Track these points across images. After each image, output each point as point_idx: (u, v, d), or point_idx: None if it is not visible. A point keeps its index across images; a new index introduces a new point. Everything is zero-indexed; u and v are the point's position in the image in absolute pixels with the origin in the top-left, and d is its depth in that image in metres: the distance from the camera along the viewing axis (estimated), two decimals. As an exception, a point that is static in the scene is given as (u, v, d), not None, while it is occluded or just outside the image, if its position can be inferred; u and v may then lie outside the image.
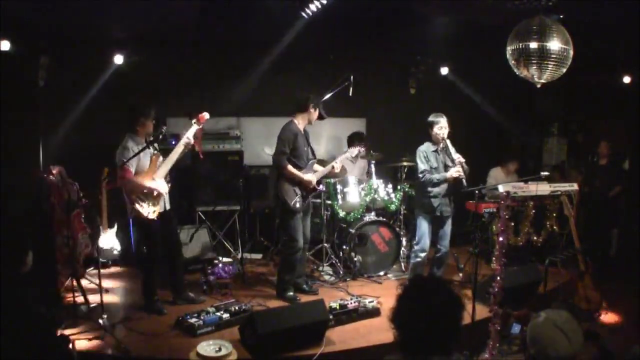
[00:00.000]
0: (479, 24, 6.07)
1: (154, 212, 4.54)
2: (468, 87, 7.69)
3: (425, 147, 5.32)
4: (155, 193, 4.53)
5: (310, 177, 5.09)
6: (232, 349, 3.77)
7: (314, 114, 5.14)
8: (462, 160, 5.15)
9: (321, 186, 5.38)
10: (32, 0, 5.10)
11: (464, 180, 5.11)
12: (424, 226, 5.30)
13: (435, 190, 5.23)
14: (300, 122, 5.13)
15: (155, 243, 4.64)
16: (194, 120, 4.70)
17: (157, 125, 4.78)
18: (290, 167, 5.02)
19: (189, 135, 4.67)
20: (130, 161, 4.39)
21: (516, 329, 4.06)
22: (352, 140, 6.71)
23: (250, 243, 6.84)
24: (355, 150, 5.64)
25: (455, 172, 5.12)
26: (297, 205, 5.03)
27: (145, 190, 4.49)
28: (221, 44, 6.66)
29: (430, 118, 5.26)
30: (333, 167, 5.25)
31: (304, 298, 5.08)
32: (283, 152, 5.01)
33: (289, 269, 5.13)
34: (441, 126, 5.19)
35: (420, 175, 5.25)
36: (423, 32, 6.28)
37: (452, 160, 5.17)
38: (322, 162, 5.65)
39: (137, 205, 4.44)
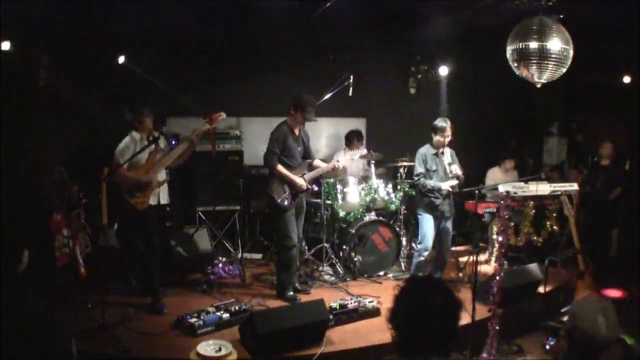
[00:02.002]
0: (479, 24, 6.07)
1: (143, 203, 4.67)
2: (468, 87, 7.69)
3: (425, 150, 5.33)
4: (144, 185, 4.66)
5: (299, 179, 5.06)
6: (232, 349, 3.77)
7: (296, 116, 5.05)
8: (459, 172, 5.20)
9: (314, 186, 5.36)
10: (32, 0, 5.10)
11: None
12: (426, 225, 5.32)
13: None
14: (290, 123, 5.13)
15: (149, 234, 4.74)
16: (205, 120, 4.80)
17: (157, 124, 4.82)
18: (280, 167, 5.04)
19: (195, 134, 4.79)
20: (123, 157, 4.56)
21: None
22: (351, 138, 6.71)
23: (250, 243, 6.83)
24: (357, 153, 5.56)
25: (449, 185, 5.22)
26: (286, 202, 5.03)
27: (133, 182, 4.63)
28: (221, 44, 6.66)
29: (436, 123, 5.29)
30: (329, 168, 5.21)
31: (304, 298, 5.07)
32: (273, 152, 5.04)
33: (285, 267, 5.13)
34: (444, 135, 5.22)
35: (416, 178, 5.32)
36: (423, 32, 6.28)
37: (449, 164, 5.22)
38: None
39: (127, 196, 4.61)
